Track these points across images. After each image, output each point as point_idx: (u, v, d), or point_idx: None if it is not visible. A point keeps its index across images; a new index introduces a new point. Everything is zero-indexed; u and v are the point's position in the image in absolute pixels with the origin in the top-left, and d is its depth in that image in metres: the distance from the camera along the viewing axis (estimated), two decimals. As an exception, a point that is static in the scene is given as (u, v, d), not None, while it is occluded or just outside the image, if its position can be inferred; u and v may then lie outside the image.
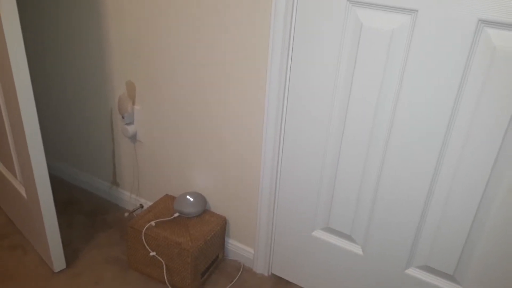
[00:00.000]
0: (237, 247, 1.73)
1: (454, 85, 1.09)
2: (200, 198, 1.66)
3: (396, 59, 1.14)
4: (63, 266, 1.64)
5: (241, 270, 1.70)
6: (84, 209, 1.99)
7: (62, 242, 1.60)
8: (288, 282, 1.67)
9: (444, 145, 1.16)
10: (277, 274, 1.69)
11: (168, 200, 1.75)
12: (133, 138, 1.81)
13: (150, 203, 1.90)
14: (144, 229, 1.55)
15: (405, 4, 1.08)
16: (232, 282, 1.64)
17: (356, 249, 1.45)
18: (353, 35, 1.18)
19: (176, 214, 1.63)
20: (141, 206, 1.92)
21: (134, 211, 1.89)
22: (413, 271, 1.37)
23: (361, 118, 1.26)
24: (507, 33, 0.99)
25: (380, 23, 1.13)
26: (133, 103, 1.74)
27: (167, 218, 1.62)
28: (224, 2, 1.34)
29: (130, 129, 1.76)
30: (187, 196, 1.65)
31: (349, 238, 1.46)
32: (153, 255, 1.56)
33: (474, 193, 1.17)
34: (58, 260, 1.61)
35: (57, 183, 2.16)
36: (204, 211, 1.69)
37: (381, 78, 1.18)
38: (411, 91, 1.15)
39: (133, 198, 1.97)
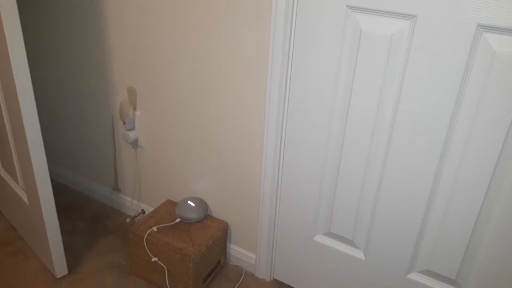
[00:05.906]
0: (239, 252, 1.72)
1: (454, 89, 1.09)
2: (202, 204, 1.66)
3: (396, 63, 1.15)
4: (65, 272, 1.64)
5: (243, 275, 1.70)
6: (86, 215, 1.99)
7: (64, 248, 1.60)
8: (290, 287, 1.66)
9: (445, 149, 1.16)
10: (279, 279, 1.68)
11: (170, 205, 1.76)
12: (135, 143, 1.82)
13: (151, 209, 1.90)
14: (146, 234, 1.55)
15: (404, 10, 1.08)
16: (234, 288, 1.64)
17: (358, 254, 1.45)
18: (352, 40, 1.18)
19: (178, 220, 1.63)
20: (143, 211, 1.92)
21: (136, 216, 1.89)
22: (415, 276, 1.37)
23: (362, 122, 1.26)
24: (506, 38, 0.99)
25: (379, 28, 1.14)
26: (134, 109, 1.74)
27: (169, 224, 1.62)
28: (224, 8, 1.35)
29: (132, 134, 1.77)
30: (189, 202, 1.65)
31: (350, 243, 1.45)
32: (155, 261, 1.56)
33: (476, 197, 1.17)
34: (60, 266, 1.61)
35: (58, 188, 2.16)
36: (206, 217, 1.69)
37: (381, 83, 1.18)
38: (411, 95, 1.15)
39: (134, 203, 1.97)
